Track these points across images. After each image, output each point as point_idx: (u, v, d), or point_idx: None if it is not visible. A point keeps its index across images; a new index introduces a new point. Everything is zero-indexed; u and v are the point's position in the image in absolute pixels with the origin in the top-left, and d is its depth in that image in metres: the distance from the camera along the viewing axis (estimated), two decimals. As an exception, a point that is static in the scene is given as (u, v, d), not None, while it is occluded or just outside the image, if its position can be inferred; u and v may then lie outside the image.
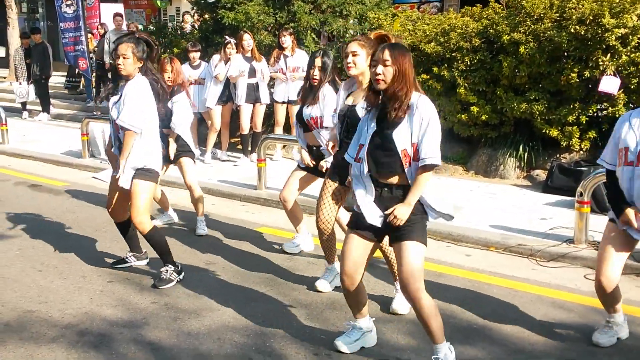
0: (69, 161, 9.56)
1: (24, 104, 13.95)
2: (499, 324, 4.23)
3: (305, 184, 5.37)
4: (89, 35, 14.47)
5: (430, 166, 3.38)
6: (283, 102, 9.17)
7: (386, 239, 3.86)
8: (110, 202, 5.04)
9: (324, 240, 4.69)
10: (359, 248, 3.60)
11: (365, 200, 3.53)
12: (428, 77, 8.43)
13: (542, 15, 7.69)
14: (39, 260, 5.39)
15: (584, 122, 7.61)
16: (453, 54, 8.26)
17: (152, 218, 6.36)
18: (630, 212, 3.71)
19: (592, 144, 7.74)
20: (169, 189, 7.38)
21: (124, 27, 14.04)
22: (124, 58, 4.63)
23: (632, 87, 7.31)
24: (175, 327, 4.18)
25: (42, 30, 19.76)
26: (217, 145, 9.59)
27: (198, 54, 9.27)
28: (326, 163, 4.88)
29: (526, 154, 8.07)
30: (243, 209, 7.17)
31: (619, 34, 7.09)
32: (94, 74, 14.11)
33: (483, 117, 8.12)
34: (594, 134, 7.64)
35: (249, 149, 9.38)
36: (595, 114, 7.73)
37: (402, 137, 3.39)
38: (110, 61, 13.15)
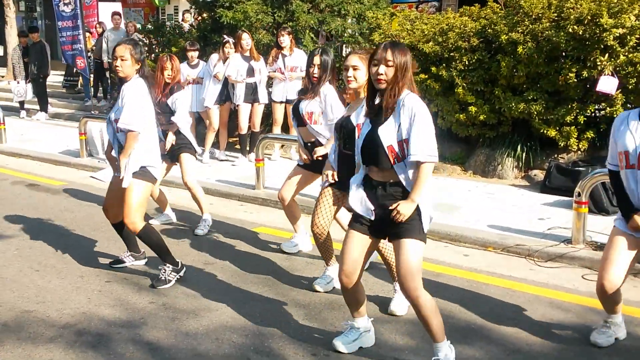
0: (66, 160, 9.55)
1: (21, 103, 13.92)
2: (497, 324, 4.24)
3: (304, 183, 5.38)
4: (87, 34, 14.44)
5: (423, 163, 3.36)
6: (281, 102, 9.17)
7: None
8: (106, 203, 5.04)
9: (319, 244, 4.70)
10: (358, 247, 3.60)
11: (357, 192, 3.57)
12: (426, 76, 8.43)
13: (540, 15, 7.70)
14: (36, 260, 5.38)
15: (582, 122, 7.62)
16: (451, 54, 8.26)
17: (150, 218, 6.38)
18: (639, 219, 3.71)
19: (590, 144, 7.75)
20: (167, 188, 7.37)
21: (122, 26, 14.02)
22: (122, 60, 4.66)
23: (630, 87, 7.31)
24: (173, 327, 4.18)
25: (40, 29, 19.73)
26: (215, 144, 9.59)
27: (196, 53, 9.26)
28: (321, 150, 4.91)
29: (524, 154, 8.08)
30: (241, 209, 7.17)
31: (617, 34, 7.10)
32: (92, 73, 14.09)
33: (481, 117, 8.13)
34: (592, 134, 7.65)
35: (247, 148, 9.37)
36: (593, 114, 7.74)
37: (387, 133, 3.40)
38: (109, 60, 13.23)
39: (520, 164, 8.11)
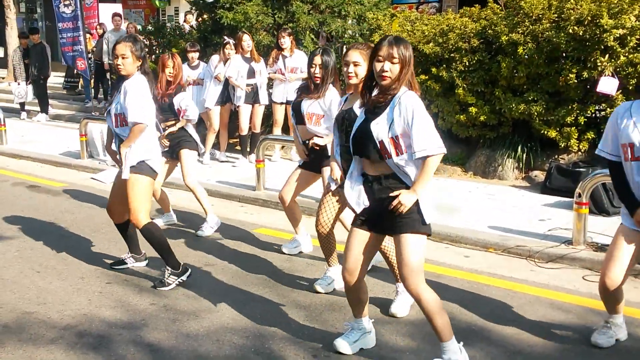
0: (67, 162, 9.56)
1: (22, 104, 13.93)
2: (498, 325, 4.24)
3: (305, 184, 5.38)
4: (88, 35, 14.45)
5: (432, 156, 3.32)
6: (282, 103, 9.17)
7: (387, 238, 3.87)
8: (110, 203, 5.03)
9: (323, 243, 4.69)
10: (360, 243, 3.59)
11: (352, 185, 3.57)
12: (427, 77, 8.43)
13: (540, 15, 7.70)
14: (37, 262, 5.38)
15: (582, 123, 7.62)
16: (451, 55, 8.27)
17: (152, 218, 6.37)
18: None
19: (590, 145, 7.74)
20: (167, 189, 7.37)
21: (123, 27, 14.03)
22: (123, 58, 4.66)
23: (630, 87, 7.31)
24: (174, 328, 4.18)
25: (41, 30, 19.75)
26: (216, 146, 9.59)
27: (197, 54, 9.27)
28: (319, 140, 4.90)
29: (525, 155, 8.08)
30: (241, 210, 7.17)
31: (617, 35, 7.10)
32: (93, 75, 14.10)
33: (481, 118, 8.13)
34: (593, 135, 7.65)
35: (248, 149, 9.37)
36: (593, 115, 7.74)
37: (379, 128, 3.37)
38: (109, 61, 13.23)
39: (521, 164, 8.11)
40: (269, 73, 9.16)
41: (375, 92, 3.49)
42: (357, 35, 10.47)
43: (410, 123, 3.32)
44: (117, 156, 4.89)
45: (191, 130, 6.23)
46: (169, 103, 6.08)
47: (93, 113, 12.64)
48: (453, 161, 8.67)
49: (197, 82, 9.30)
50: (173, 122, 6.10)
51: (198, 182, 6.33)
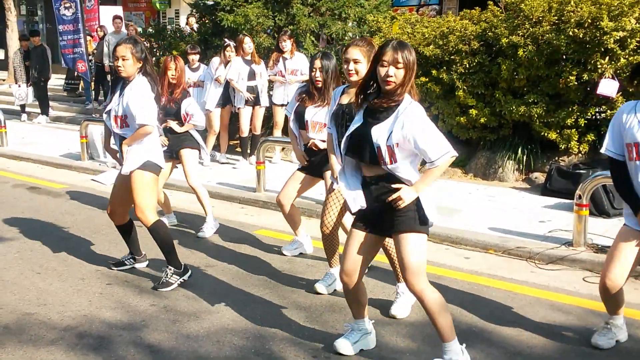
0: (67, 163, 9.56)
1: (22, 106, 13.95)
2: (498, 327, 4.24)
3: (304, 188, 5.35)
4: (88, 37, 14.46)
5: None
6: (282, 105, 9.17)
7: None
8: (112, 205, 5.02)
9: (326, 244, 4.69)
10: (359, 246, 3.58)
11: (350, 185, 3.55)
12: (427, 79, 8.44)
13: (540, 18, 7.71)
14: (37, 263, 5.38)
15: (583, 125, 7.63)
16: (452, 57, 8.27)
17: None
18: None
19: (590, 147, 7.75)
20: (168, 191, 7.37)
21: (123, 29, 14.05)
22: (124, 60, 4.66)
23: (631, 90, 7.31)
24: (174, 329, 4.18)
25: (41, 32, 19.77)
26: (216, 147, 9.60)
27: (197, 57, 9.27)
28: (320, 143, 4.90)
29: (525, 157, 8.08)
30: (242, 212, 7.18)
31: (618, 37, 7.10)
32: (93, 77, 14.11)
33: (482, 120, 8.13)
34: (593, 137, 7.65)
35: (248, 151, 9.38)
36: (593, 117, 7.75)
37: (379, 134, 3.35)
38: (110, 64, 13.25)
39: (521, 166, 8.11)
40: (269, 75, 9.17)
41: (374, 96, 3.47)
42: (357, 37, 10.47)
43: (418, 135, 3.29)
44: (118, 155, 4.90)
45: (195, 134, 6.25)
46: (175, 109, 6.09)
47: (93, 115, 12.65)
48: (453, 163, 8.62)
49: (198, 85, 9.31)
50: (176, 122, 6.12)
51: (201, 183, 6.33)
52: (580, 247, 5.51)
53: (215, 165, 9.26)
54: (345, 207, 4.53)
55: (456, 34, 8.30)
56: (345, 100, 4.25)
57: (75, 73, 14.70)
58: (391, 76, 3.31)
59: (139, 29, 14.52)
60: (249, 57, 8.99)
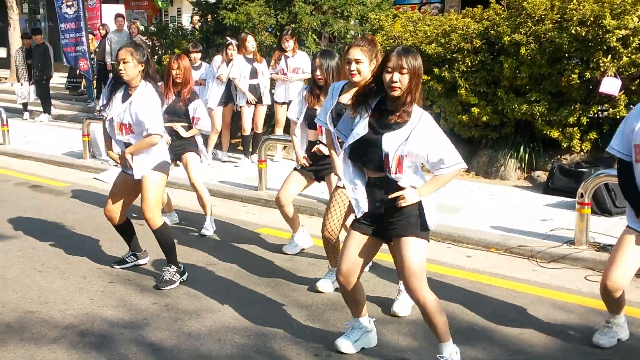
0: (69, 162, 9.57)
1: (25, 104, 13.96)
2: (500, 325, 4.23)
3: (302, 187, 5.37)
4: (90, 36, 14.47)
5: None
6: (283, 103, 9.18)
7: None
8: (111, 204, 5.01)
9: (328, 247, 4.68)
10: (358, 247, 3.58)
11: (355, 187, 3.52)
12: (429, 78, 8.43)
13: (543, 16, 7.70)
14: (39, 261, 5.39)
15: (585, 123, 7.61)
16: (454, 55, 8.27)
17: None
18: None
19: (592, 145, 7.74)
20: (169, 189, 7.38)
21: (125, 28, 14.05)
22: (124, 63, 4.67)
23: (633, 88, 7.31)
24: (175, 328, 4.18)
25: (44, 31, 19.79)
26: (218, 146, 9.60)
27: (199, 55, 9.27)
28: (323, 148, 4.89)
29: (527, 155, 8.07)
30: (244, 210, 7.18)
31: (620, 35, 7.09)
32: (95, 75, 14.12)
33: (484, 118, 8.13)
34: (595, 135, 7.64)
35: (250, 149, 9.38)
36: (596, 115, 7.73)
37: (390, 143, 3.34)
38: (112, 62, 13.26)
39: (523, 165, 8.10)
40: (271, 74, 9.17)
41: (375, 102, 3.45)
42: (359, 36, 10.47)
43: (431, 147, 3.33)
44: (120, 159, 4.89)
45: (198, 138, 6.26)
46: (184, 109, 6.09)
47: (95, 113, 12.62)
48: (455, 162, 8.64)
49: (200, 83, 9.30)
50: (182, 125, 6.11)
51: (203, 183, 6.32)
52: (582, 245, 5.50)
53: (217, 163, 9.27)
54: (349, 210, 4.53)
55: (458, 32, 8.29)
56: (346, 99, 4.24)
57: (78, 71, 14.73)
58: (396, 82, 3.31)
59: (141, 27, 14.49)
60: (250, 56, 8.99)
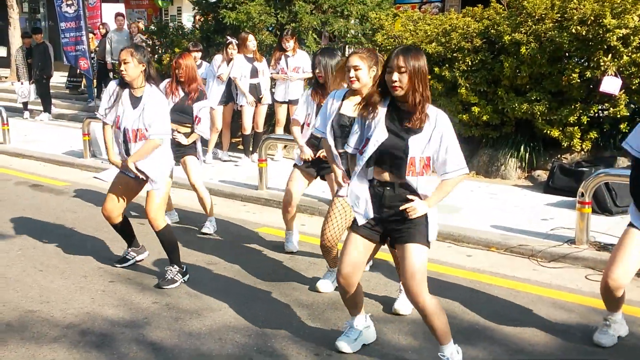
0: (70, 161, 9.57)
1: (25, 103, 13.95)
2: (500, 325, 4.23)
3: (306, 186, 5.41)
4: (91, 35, 14.45)
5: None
6: (283, 102, 9.18)
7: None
8: (110, 203, 4.99)
9: (326, 254, 4.66)
10: (358, 250, 3.57)
11: (360, 193, 3.51)
12: (429, 77, 8.41)
13: (543, 15, 7.69)
14: (40, 260, 5.39)
15: (585, 122, 7.61)
16: (454, 54, 8.26)
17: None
18: None
19: (593, 145, 7.74)
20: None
21: (125, 27, 14.05)
22: (125, 63, 4.69)
23: (633, 87, 7.30)
24: (176, 327, 4.18)
25: (44, 30, 19.77)
26: (218, 145, 9.60)
27: (199, 54, 9.27)
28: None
29: (527, 155, 8.07)
30: (244, 209, 7.18)
31: (620, 35, 7.09)
32: (95, 74, 14.11)
33: (484, 118, 8.12)
34: (595, 135, 7.64)
35: (250, 149, 9.38)
36: (596, 115, 7.73)
37: (416, 146, 3.35)
38: (112, 61, 13.25)
39: (524, 164, 8.10)
40: (271, 73, 9.17)
41: (385, 104, 3.45)
42: (359, 35, 10.47)
43: (447, 145, 3.36)
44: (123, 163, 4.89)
45: (198, 140, 6.25)
46: (192, 108, 6.10)
47: (96, 112, 12.63)
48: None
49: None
50: (187, 129, 6.10)
51: (203, 184, 6.31)
52: (583, 244, 5.50)
53: (218, 162, 9.27)
54: (350, 216, 4.50)
55: (458, 32, 8.29)
56: (348, 110, 4.26)
57: (78, 70, 14.71)
58: (396, 81, 3.32)
59: (141, 26, 14.47)
60: (251, 55, 8.99)
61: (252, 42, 8.95)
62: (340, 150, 4.34)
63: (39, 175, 8.84)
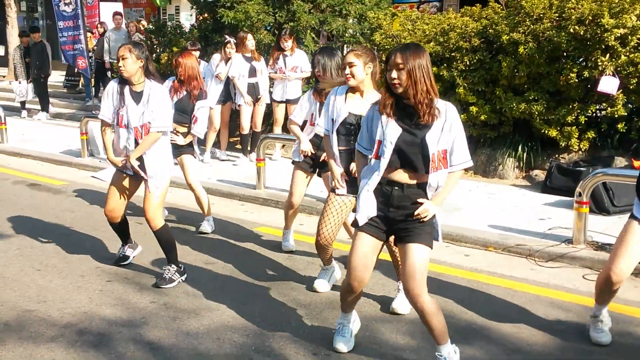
0: (68, 160, 9.56)
1: (23, 103, 13.93)
2: (498, 324, 4.24)
3: (308, 183, 5.44)
4: (89, 34, 14.43)
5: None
6: (281, 102, 9.18)
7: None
8: (111, 203, 4.98)
9: (320, 251, 4.66)
10: (369, 251, 3.54)
11: (367, 196, 3.48)
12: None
13: (541, 15, 7.70)
14: (37, 260, 5.39)
15: (583, 122, 7.62)
16: (452, 54, 8.27)
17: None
18: None
19: (591, 144, 7.75)
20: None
21: (123, 26, 14.03)
22: (123, 59, 4.68)
23: (631, 87, 7.31)
24: (174, 326, 4.18)
25: (42, 29, 19.74)
26: (216, 144, 9.60)
27: (197, 53, 9.24)
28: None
29: (525, 154, 8.08)
30: (242, 209, 7.18)
31: (618, 34, 7.10)
32: (93, 73, 14.09)
33: (482, 117, 8.13)
34: (593, 134, 7.65)
35: (248, 148, 9.38)
36: (594, 114, 7.74)
37: (433, 141, 3.35)
38: (110, 60, 13.23)
39: (521, 164, 8.11)
40: (269, 73, 9.17)
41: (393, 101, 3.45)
42: (357, 34, 10.47)
43: (454, 138, 3.39)
44: (124, 161, 4.87)
45: (194, 139, 6.24)
46: (192, 107, 6.07)
47: (93, 112, 12.61)
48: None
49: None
50: (185, 129, 6.08)
51: (200, 183, 6.30)
52: (580, 244, 5.51)
53: (216, 162, 9.26)
54: (345, 213, 4.52)
55: (457, 31, 8.29)
56: (354, 108, 4.29)
57: (76, 69, 14.69)
58: (394, 78, 3.33)
59: (145, 24, 14.45)
60: (249, 54, 8.99)
61: (250, 41, 8.95)
62: (342, 148, 4.36)
63: (37, 175, 8.83)
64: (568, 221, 5.93)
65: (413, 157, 3.37)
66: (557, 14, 7.62)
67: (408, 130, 3.38)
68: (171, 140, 5.91)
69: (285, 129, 9.49)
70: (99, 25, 14.79)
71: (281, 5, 10.32)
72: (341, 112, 4.33)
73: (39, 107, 13.91)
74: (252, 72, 9.00)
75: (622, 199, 6.36)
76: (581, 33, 7.26)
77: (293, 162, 5.41)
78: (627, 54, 7.20)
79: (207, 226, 6.20)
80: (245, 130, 9.26)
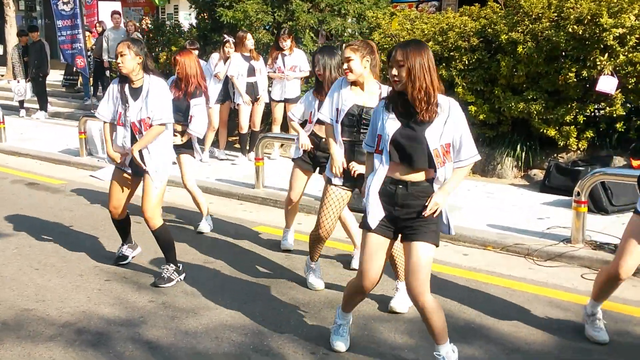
0: (66, 159, 9.55)
1: (21, 102, 13.93)
2: (496, 323, 4.24)
3: (307, 181, 5.44)
4: (87, 33, 14.42)
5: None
6: (280, 101, 9.17)
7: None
8: (114, 201, 4.98)
9: (315, 244, 4.66)
10: (381, 251, 3.53)
11: (374, 199, 3.47)
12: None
13: (540, 14, 7.70)
14: (36, 259, 5.38)
15: (582, 121, 7.63)
16: (451, 53, 8.27)
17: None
18: None
19: (589, 144, 7.75)
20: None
21: (122, 25, 14.02)
22: (121, 55, 4.68)
23: (630, 86, 7.32)
24: (172, 325, 4.18)
25: (40, 28, 19.71)
26: (215, 143, 9.59)
27: (196, 52, 9.24)
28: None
29: (524, 154, 8.08)
30: (241, 208, 7.18)
31: (617, 34, 7.10)
32: (92, 72, 14.08)
33: (481, 117, 8.13)
34: (592, 134, 7.65)
35: (247, 147, 9.38)
36: (592, 114, 7.75)
37: (433, 137, 3.34)
38: (109, 59, 13.21)
39: (520, 163, 8.12)
40: (268, 72, 9.17)
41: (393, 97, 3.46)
42: (356, 33, 10.46)
43: (460, 133, 3.39)
44: (123, 158, 4.87)
45: (193, 138, 6.20)
46: (186, 105, 5.98)
47: (92, 111, 12.60)
48: (452, 160, 8.65)
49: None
50: (181, 129, 6.05)
51: (195, 183, 6.28)
52: (579, 244, 5.51)
53: (214, 161, 9.26)
54: (343, 204, 4.54)
55: (455, 31, 8.29)
56: (357, 99, 4.32)
57: (74, 69, 14.67)
58: (395, 75, 3.33)
59: (138, 24, 14.43)
60: (248, 54, 8.99)
61: (249, 40, 8.94)
62: (344, 139, 4.37)
63: (35, 174, 8.82)
64: (566, 220, 5.94)
65: (412, 151, 3.36)
66: (555, 14, 7.62)
67: (407, 125, 3.38)
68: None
69: (284, 128, 9.50)
70: (97, 25, 14.79)
71: (280, 5, 10.32)
72: (347, 102, 4.34)
73: (37, 106, 13.91)
74: (251, 72, 9.00)
75: (621, 198, 6.37)
76: (580, 32, 7.26)
77: (293, 160, 5.42)
78: (626, 53, 7.21)
79: (205, 225, 6.20)
80: (244, 129, 9.25)
